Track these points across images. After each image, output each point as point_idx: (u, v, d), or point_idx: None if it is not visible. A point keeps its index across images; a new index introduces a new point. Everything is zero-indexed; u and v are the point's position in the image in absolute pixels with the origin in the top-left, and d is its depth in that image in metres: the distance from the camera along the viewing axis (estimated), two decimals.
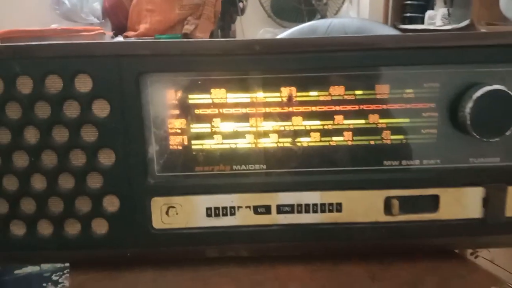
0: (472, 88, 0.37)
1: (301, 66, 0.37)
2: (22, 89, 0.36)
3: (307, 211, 0.39)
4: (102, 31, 1.51)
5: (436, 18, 1.74)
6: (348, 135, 0.39)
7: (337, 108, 0.39)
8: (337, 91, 0.38)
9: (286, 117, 0.39)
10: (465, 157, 0.39)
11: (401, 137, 0.39)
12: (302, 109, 0.39)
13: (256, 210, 0.39)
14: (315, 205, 0.39)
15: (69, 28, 1.50)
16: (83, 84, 0.36)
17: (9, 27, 1.50)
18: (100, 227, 0.39)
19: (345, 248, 0.40)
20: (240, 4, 1.79)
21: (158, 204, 0.39)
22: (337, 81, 0.38)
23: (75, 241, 0.39)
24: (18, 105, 0.36)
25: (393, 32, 1.33)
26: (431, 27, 1.71)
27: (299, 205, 0.39)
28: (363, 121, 0.39)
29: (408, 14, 1.91)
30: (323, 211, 0.39)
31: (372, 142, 0.39)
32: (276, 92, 0.38)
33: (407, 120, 0.39)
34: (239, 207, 0.39)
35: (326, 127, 0.39)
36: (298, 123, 0.39)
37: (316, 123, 0.39)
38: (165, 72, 0.37)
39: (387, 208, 0.39)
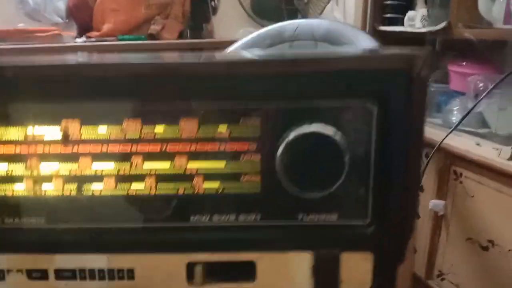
0: (291, 128, 0.29)
1: (75, 94, 0.30)
2: None
3: (92, 278, 0.31)
4: (57, 31, 1.44)
5: (416, 19, 1.64)
6: (150, 181, 0.31)
7: (134, 148, 0.31)
8: (132, 126, 0.30)
9: (71, 158, 0.31)
10: (293, 212, 0.31)
11: (215, 185, 0.31)
12: (90, 148, 0.31)
13: (31, 274, 0.31)
14: (101, 270, 0.31)
15: (23, 29, 1.43)
16: None
17: None
18: None
19: None
20: (212, 3, 1.71)
21: None
22: (130, 112, 0.30)
23: None
24: None
25: (364, 35, 1.23)
26: (409, 29, 1.61)
27: (82, 270, 0.31)
28: (168, 165, 0.31)
29: (388, 15, 1.81)
30: (111, 278, 0.31)
31: (181, 191, 0.31)
32: (55, 125, 0.30)
33: (223, 163, 0.31)
34: (9, 270, 0.31)
35: (122, 171, 0.31)
36: (86, 165, 0.31)
37: (109, 167, 0.31)
38: None
39: (190, 276, 0.31)
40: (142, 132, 0.30)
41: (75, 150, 0.31)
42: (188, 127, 0.30)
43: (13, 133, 0.30)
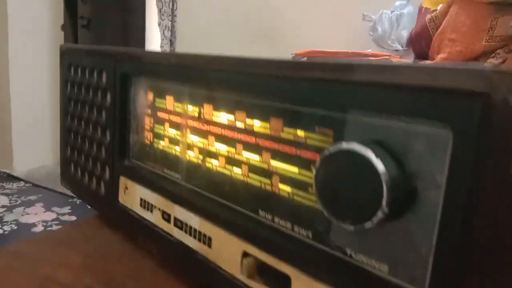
0: (335, 143, 0.25)
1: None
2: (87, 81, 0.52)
3: (190, 234, 0.37)
4: (387, 57, 1.53)
5: None
6: (245, 168, 0.34)
7: (239, 136, 0.34)
8: (240, 116, 0.34)
9: (201, 133, 0.38)
10: (343, 244, 0.26)
11: (287, 188, 0.31)
12: (213, 128, 0.37)
13: (163, 215, 0.40)
14: (195, 230, 0.36)
15: (358, 52, 1.60)
16: (102, 79, 0.48)
17: (332, 47, 1.76)
18: (100, 188, 0.50)
19: None
20: None
21: (122, 182, 0.46)
22: (237, 105, 0.34)
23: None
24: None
25: None
26: None
27: (186, 225, 0.37)
28: (257, 158, 0.33)
29: None
30: (199, 240, 0.36)
31: (263, 186, 0.32)
32: (195, 106, 0.38)
33: (296, 169, 0.30)
34: (155, 206, 0.41)
35: (229, 154, 0.35)
36: (211, 143, 0.37)
37: (223, 148, 0.36)
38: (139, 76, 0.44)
39: (243, 265, 0.32)
40: (245, 124, 0.34)
41: (206, 128, 0.37)
42: (275, 125, 0.31)
43: (180, 109, 0.40)
